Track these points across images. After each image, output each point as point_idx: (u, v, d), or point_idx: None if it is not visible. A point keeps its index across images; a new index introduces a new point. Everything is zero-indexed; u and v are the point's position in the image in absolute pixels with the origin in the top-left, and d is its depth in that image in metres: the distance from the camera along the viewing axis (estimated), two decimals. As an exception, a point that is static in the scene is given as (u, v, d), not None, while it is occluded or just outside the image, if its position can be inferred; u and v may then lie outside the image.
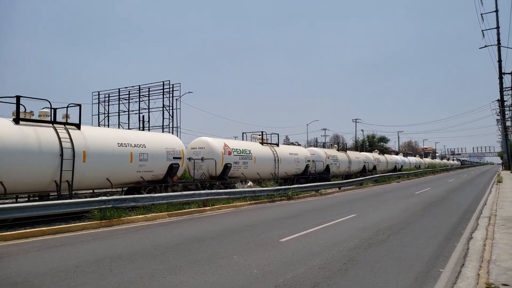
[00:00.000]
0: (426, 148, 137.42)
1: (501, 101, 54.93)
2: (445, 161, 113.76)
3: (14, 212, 10.11)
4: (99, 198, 12.08)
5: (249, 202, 17.29)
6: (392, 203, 17.55)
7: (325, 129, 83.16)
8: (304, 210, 15.13)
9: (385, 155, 55.44)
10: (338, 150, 37.59)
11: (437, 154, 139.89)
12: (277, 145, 26.98)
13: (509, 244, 7.99)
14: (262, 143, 25.48)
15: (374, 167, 45.45)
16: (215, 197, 15.87)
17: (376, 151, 57.22)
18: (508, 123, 59.30)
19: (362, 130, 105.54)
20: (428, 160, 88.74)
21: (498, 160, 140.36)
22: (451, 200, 18.80)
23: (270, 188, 19.69)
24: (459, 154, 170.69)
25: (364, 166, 41.47)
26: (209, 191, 15.89)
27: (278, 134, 27.67)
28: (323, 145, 41.14)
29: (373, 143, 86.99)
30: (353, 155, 39.85)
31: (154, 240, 9.25)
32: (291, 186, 20.95)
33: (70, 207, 11.35)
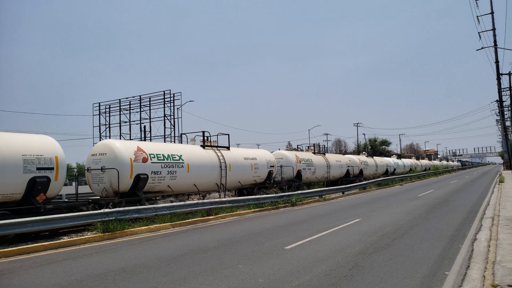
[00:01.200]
0: (428, 150, 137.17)
1: (500, 101, 55.04)
2: (444, 162, 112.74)
3: (15, 228, 10.05)
4: (102, 210, 12.07)
5: (253, 210, 17.25)
6: (395, 206, 17.49)
7: (327, 134, 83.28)
8: (308, 216, 15.09)
9: (374, 157, 47.74)
10: (314, 153, 32.69)
11: (438, 156, 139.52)
12: (228, 148, 21.72)
13: (515, 245, 7.95)
14: (203, 146, 20.23)
15: (361, 172, 39.59)
16: (219, 206, 15.85)
17: (364, 153, 51.04)
18: (507, 123, 59.32)
19: (364, 134, 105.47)
20: (425, 162, 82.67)
21: (499, 160, 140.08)
22: (454, 201, 18.74)
23: (274, 195, 19.66)
24: (461, 155, 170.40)
25: (348, 170, 36.10)
26: (213, 200, 15.86)
27: (228, 135, 22.34)
28: (326, 150, 39.87)
29: (375, 147, 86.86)
30: (333, 158, 34.81)
31: (158, 251, 9.22)
32: (295, 193, 20.89)
33: (72, 221, 11.33)
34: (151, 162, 16.00)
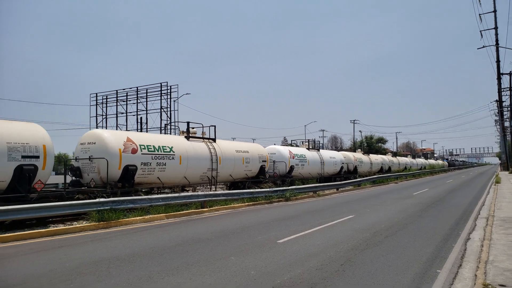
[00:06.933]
0: (424, 149, 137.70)
1: (500, 101, 55.12)
2: (439, 161, 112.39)
3: (13, 214, 10.11)
4: (97, 200, 12.07)
5: (247, 204, 17.30)
6: (390, 204, 17.57)
7: (323, 130, 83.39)
8: (302, 211, 15.14)
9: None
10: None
11: (435, 155, 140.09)
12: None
13: (507, 245, 8.01)
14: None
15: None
16: (213, 198, 15.88)
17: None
18: (506, 124, 59.45)
19: (360, 131, 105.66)
20: (421, 160, 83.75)
21: (496, 160, 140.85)
22: (449, 201, 18.84)
23: (268, 189, 19.71)
24: (457, 155, 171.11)
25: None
26: (207, 192, 15.90)
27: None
28: (322, 147, 40.11)
29: (371, 144, 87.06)
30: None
31: (152, 241, 9.25)
32: (289, 188, 20.95)
33: (69, 209, 11.37)
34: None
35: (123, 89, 37.75)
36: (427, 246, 8.44)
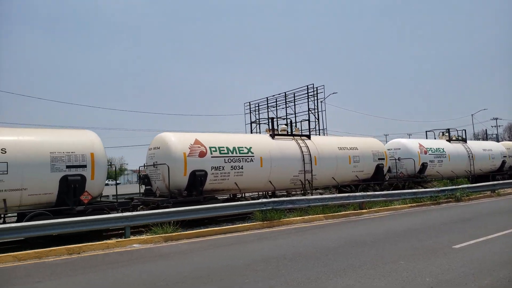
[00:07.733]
0: None
1: None
2: None
3: (186, 214, 11.71)
4: (260, 200, 13.03)
5: (409, 205, 16.06)
6: None
7: (496, 119, 71.24)
8: (479, 213, 13.22)
9: None
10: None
11: None
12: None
13: None
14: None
15: None
16: (372, 199, 15.30)
17: None
18: None
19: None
20: None
21: None
22: None
23: (434, 189, 17.91)
24: None
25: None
26: (365, 193, 15.41)
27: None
28: (496, 138, 33.29)
29: None
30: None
31: (313, 242, 9.41)
32: (460, 186, 18.59)
33: (236, 209, 12.61)
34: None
35: (273, 96, 39.88)
36: None
